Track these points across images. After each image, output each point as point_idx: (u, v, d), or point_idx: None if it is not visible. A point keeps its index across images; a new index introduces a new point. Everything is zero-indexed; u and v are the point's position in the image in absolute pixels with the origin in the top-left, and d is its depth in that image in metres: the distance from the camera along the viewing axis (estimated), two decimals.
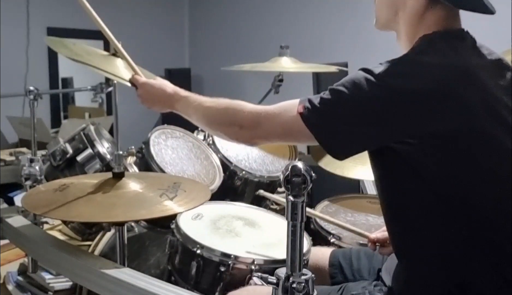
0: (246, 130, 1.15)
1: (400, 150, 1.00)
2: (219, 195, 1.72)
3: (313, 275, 0.79)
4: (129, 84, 1.40)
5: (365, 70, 1.01)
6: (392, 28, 1.17)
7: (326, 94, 1.03)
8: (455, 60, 1.01)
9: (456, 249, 1.01)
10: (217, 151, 1.92)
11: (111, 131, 1.73)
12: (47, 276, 1.82)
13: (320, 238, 1.64)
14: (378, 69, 0.99)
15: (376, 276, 1.28)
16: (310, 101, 1.04)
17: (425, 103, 0.96)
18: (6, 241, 1.92)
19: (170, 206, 1.24)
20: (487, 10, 1.07)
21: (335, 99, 1.01)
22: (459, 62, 1.01)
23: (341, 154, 1.04)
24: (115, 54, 2.02)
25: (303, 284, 0.77)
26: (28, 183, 1.62)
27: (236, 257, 1.28)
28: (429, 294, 1.05)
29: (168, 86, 1.35)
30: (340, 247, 1.58)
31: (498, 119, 1.00)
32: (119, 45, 1.42)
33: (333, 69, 2.51)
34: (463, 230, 1.00)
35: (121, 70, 1.52)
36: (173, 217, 1.41)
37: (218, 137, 1.57)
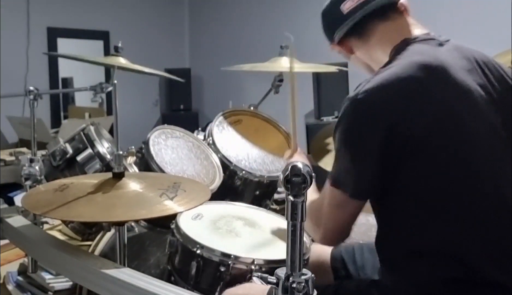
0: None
1: None
2: (219, 195, 1.72)
3: (313, 275, 0.79)
4: None
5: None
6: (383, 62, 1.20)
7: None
8: (423, 59, 1.06)
9: (444, 245, 1.02)
10: (217, 151, 1.92)
11: (111, 131, 1.72)
12: (47, 276, 1.82)
13: None
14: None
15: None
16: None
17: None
18: (6, 241, 1.92)
19: (170, 206, 1.24)
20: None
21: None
22: (429, 60, 1.06)
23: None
24: (115, 54, 2.02)
25: (303, 284, 0.77)
26: (28, 183, 1.61)
27: (236, 257, 1.28)
28: (417, 291, 1.06)
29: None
30: None
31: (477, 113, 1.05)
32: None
33: (333, 69, 2.51)
34: (450, 226, 1.01)
35: None
36: (173, 217, 1.41)
37: None
